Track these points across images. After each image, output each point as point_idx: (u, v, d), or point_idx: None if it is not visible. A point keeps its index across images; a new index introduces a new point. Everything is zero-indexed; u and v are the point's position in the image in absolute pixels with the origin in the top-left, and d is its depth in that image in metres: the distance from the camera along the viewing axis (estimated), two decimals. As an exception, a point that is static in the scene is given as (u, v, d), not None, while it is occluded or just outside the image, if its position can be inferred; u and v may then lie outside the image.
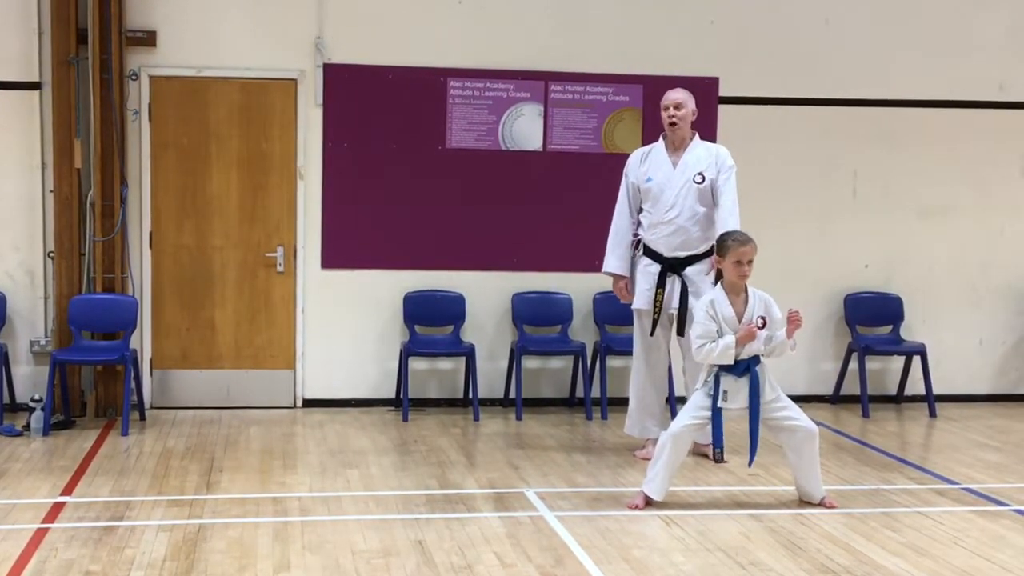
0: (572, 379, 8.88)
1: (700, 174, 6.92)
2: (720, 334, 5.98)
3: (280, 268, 8.57)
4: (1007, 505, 6.32)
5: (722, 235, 6.20)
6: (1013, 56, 9.20)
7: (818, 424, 6.36)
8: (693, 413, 6.10)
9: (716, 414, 6.04)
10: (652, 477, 6.11)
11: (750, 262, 6.01)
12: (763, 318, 6.03)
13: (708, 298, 6.09)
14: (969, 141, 9.20)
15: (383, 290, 8.67)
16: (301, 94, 8.48)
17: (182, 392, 8.56)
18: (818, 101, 9.02)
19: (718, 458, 6.14)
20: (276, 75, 8.47)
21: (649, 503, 6.09)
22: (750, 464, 6.34)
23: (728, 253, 6.02)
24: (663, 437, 6.12)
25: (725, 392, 6.01)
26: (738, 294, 6.07)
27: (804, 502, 6.22)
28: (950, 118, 9.16)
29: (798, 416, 6.13)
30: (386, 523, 5.79)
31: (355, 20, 8.50)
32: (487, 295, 8.78)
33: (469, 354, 8.51)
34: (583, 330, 8.85)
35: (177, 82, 8.38)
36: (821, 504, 6.16)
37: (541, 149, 8.76)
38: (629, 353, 8.70)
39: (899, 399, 9.21)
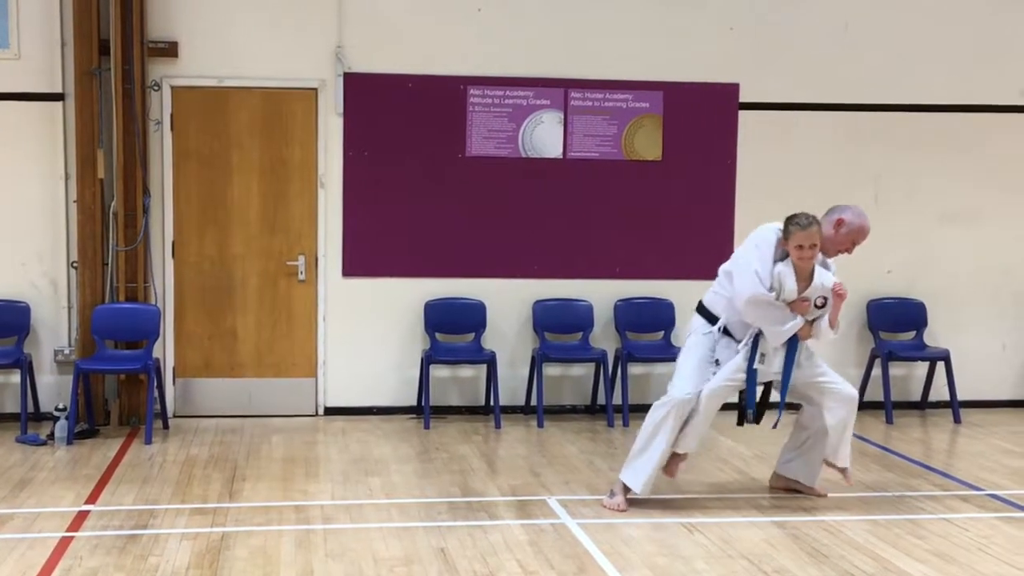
0: (593, 386, 8.86)
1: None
2: (776, 297, 5.99)
3: (301, 276, 8.60)
4: (1033, 511, 6.28)
5: (787, 219, 5.99)
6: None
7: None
8: (729, 375, 6.11)
9: (751, 375, 6.06)
10: (685, 433, 6.14)
11: (812, 246, 5.92)
12: (824, 298, 6.01)
13: (778, 269, 5.99)
14: (991, 146, 9.15)
15: (404, 298, 8.68)
16: (322, 103, 8.51)
17: (205, 400, 8.58)
18: (839, 106, 8.98)
19: (751, 419, 6.17)
20: (297, 84, 8.50)
21: (682, 459, 6.20)
22: (775, 426, 6.33)
23: (791, 238, 5.95)
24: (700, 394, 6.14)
25: (763, 355, 6.06)
26: (806, 279, 6.01)
27: (828, 463, 6.29)
28: (972, 123, 9.12)
29: (838, 380, 6.22)
30: (408, 531, 5.79)
31: (375, 29, 8.53)
32: (508, 302, 8.78)
33: (490, 361, 8.50)
34: (604, 337, 8.84)
35: (198, 92, 8.42)
36: (843, 472, 6.25)
37: (561, 156, 8.76)
38: (650, 360, 8.78)
39: (923, 405, 9.16)
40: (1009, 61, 9.11)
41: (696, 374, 6.19)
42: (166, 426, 8.18)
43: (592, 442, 7.95)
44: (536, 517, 6.06)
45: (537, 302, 8.75)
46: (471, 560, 5.34)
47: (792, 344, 6.05)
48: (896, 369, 9.05)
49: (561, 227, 8.78)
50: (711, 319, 6.26)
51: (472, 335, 8.69)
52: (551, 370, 8.81)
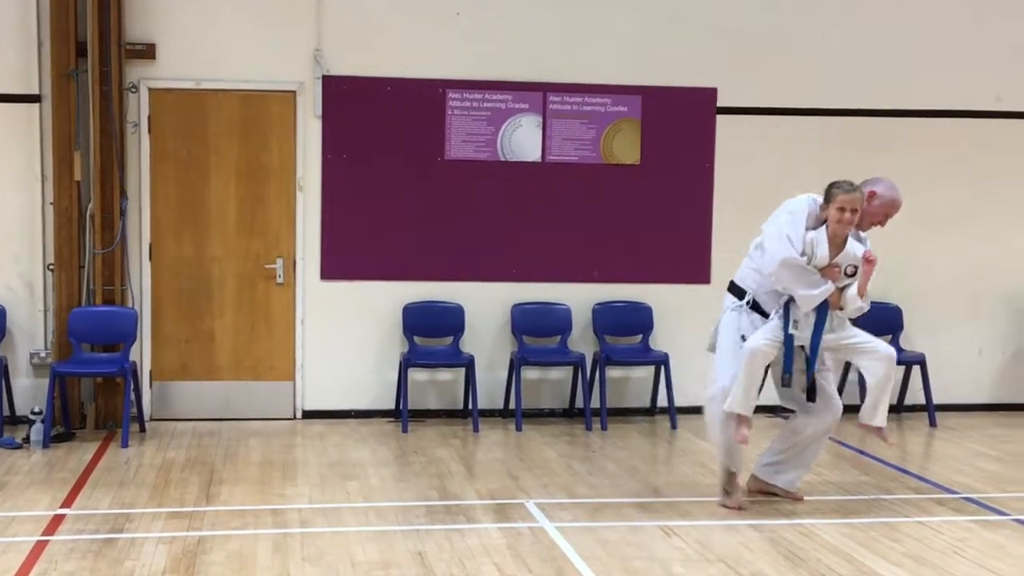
0: (572, 390, 8.87)
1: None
2: (808, 262, 6.04)
3: (279, 279, 8.58)
4: (1007, 515, 6.31)
5: (831, 184, 6.09)
6: (1010, 68, 9.21)
7: (818, 434, 6.38)
8: (768, 335, 6.14)
9: (788, 340, 6.11)
10: (735, 396, 6.09)
11: (853, 211, 5.98)
12: (854, 267, 6.07)
13: (811, 236, 6.06)
14: (968, 151, 9.21)
15: (382, 301, 8.67)
16: (300, 106, 8.50)
17: (182, 404, 8.55)
18: (816, 111, 9.03)
19: (786, 382, 6.25)
20: (275, 87, 8.48)
21: (745, 422, 6.13)
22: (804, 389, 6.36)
23: (832, 201, 6.01)
24: (741, 351, 6.14)
25: (796, 322, 6.11)
26: (838, 246, 6.06)
27: (864, 425, 6.32)
28: (948, 128, 9.18)
29: (873, 339, 6.29)
30: (386, 535, 5.79)
31: (354, 32, 8.52)
32: (486, 306, 8.78)
33: (468, 365, 8.50)
34: (582, 341, 8.85)
35: (176, 94, 8.39)
36: (879, 433, 6.29)
37: (540, 160, 8.77)
38: (628, 363, 8.82)
39: (899, 409, 9.19)
40: (986, 67, 9.18)
41: (735, 357, 6.23)
42: (143, 429, 8.14)
43: (570, 445, 7.95)
44: (514, 521, 6.06)
45: (515, 305, 8.76)
46: (449, 564, 5.33)
47: (822, 311, 6.09)
48: (872, 373, 9.08)
49: (539, 231, 8.79)
50: (741, 295, 6.32)
51: (450, 338, 8.69)
52: (529, 373, 8.82)
